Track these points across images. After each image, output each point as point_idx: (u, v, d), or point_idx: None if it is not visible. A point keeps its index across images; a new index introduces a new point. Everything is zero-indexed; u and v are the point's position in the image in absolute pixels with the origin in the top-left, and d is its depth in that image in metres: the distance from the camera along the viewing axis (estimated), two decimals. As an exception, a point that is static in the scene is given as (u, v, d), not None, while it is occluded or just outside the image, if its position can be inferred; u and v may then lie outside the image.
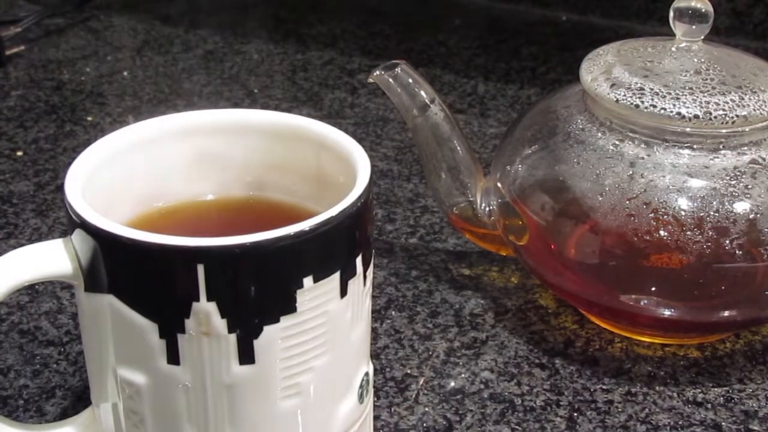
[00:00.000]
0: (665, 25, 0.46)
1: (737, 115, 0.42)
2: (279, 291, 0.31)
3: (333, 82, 0.73)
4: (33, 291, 0.49)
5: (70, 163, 0.34)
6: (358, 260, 0.33)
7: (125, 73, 0.75)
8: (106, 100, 0.70)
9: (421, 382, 0.44)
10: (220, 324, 0.31)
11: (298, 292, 0.31)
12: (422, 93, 0.47)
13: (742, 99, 0.42)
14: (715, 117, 0.42)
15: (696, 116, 0.42)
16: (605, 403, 0.43)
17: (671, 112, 0.42)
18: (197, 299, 0.30)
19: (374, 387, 0.40)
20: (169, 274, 0.30)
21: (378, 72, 0.47)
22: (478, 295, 0.49)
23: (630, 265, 0.43)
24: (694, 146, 0.43)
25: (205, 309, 0.30)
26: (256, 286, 0.30)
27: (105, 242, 0.31)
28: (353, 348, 0.34)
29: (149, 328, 0.31)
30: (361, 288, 0.34)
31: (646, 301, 0.44)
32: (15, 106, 0.69)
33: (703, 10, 0.44)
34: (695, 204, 0.42)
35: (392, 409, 0.42)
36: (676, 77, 0.43)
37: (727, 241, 0.42)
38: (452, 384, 0.44)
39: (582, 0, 0.84)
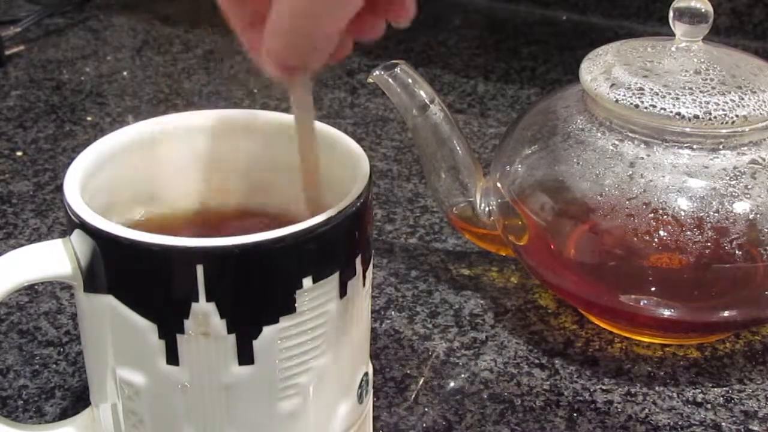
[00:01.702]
0: (665, 25, 0.46)
1: (737, 115, 0.42)
2: (278, 291, 0.31)
3: (332, 82, 0.73)
4: (32, 291, 0.49)
5: (69, 164, 0.34)
6: (358, 260, 0.33)
7: (125, 73, 0.74)
8: (106, 100, 0.70)
9: (420, 383, 0.44)
10: (220, 324, 0.30)
11: (298, 292, 0.31)
12: (422, 93, 0.47)
13: (742, 99, 0.42)
14: (715, 117, 0.42)
15: (696, 116, 0.42)
16: (605, 404, 0.43)
17: (671, 112, 0.42)
18: (196, 300, 0.30)
19: (374, 387, 0.40)
20: (169, 274, 0.30)
21: (377, 72, 0.47)
22: (478, 295, 0.49)
23: (630, 265, 0.43)
24: (694, 146, 0.43)
25: (205, 309, 0.30)
26: (256, 286, 0.30)
27: (104, 243, 0.31)
28: (352, 348, 0.34)
29: (148, 329, 0.31)
30: (361, 288, 0.34)
31: (645, 301, 0.44)
32: (15, 106, 0.69)
33: (703, 10, 0.44)
34: (695, 204, 0.42)
35: (392, 410, 0.42)
36: (675, 77, 0.43)
37: (727, 241, 0.42)
38: (452, 384, 0.44)
39: (582, 0, 0.84)
